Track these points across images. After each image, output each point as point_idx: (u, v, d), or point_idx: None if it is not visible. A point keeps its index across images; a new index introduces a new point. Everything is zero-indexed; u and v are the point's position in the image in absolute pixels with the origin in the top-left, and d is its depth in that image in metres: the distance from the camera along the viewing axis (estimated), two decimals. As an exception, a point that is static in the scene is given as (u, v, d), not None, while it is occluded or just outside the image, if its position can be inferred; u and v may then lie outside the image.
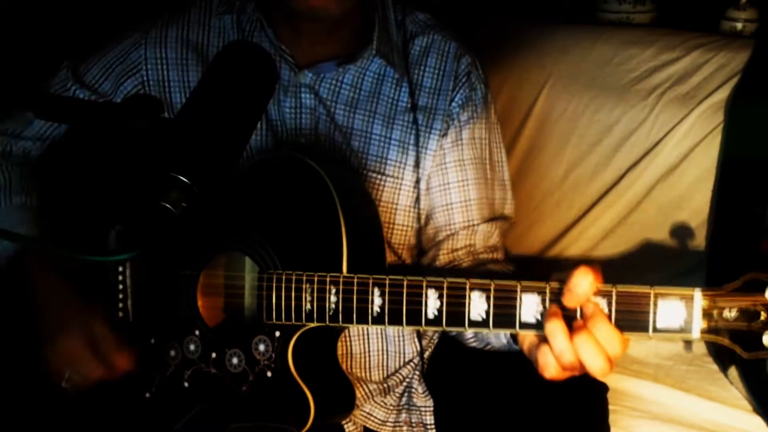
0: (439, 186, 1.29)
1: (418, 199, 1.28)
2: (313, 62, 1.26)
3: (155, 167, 0.78)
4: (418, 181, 1.28)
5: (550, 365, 0.93)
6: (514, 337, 1.05)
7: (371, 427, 1.33)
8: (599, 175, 1.83)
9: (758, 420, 1.45)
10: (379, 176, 1.27)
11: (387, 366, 1.33)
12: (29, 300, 1.13)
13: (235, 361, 1.13)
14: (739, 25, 1.91)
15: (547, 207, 1.88)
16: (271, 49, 1.24)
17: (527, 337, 0.99)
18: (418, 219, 1.29)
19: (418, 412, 1.33)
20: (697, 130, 1.74)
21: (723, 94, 1.73)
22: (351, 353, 1.29)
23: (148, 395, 1.18)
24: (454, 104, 1.28)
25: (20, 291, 1.14)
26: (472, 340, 1.22)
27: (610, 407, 1.27)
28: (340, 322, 1.05)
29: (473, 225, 1.29)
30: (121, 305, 1.19)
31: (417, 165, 1.27)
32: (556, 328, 0.91)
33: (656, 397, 1.51)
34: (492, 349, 1.17)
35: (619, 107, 1.81)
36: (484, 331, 0.98)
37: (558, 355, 0.91)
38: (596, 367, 0.90)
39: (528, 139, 1.89)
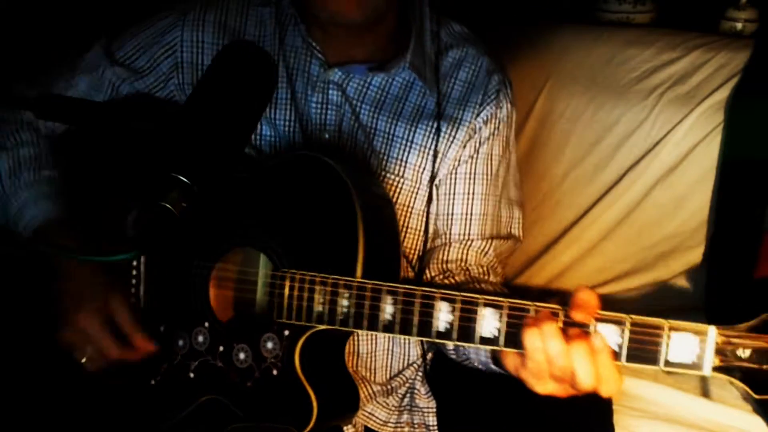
0: (444, 194, 1.29)
1: (429, 203, 1.27)
2: (343, 62, 1.25)
3: (155, 167, 0.78)
4: (431, 186, 1.26)
5: (543, 371, 0.91)
6: (494, 359, 1.05)
7: (372, 427, 1.33)
8: (599, 175, 1.83)
9: (758, 420, 1.45)
10: (397, 178, 1.27)
11: (391, 366, 1.33)
12: (56, 278, 1.14)
13: (242, 356, 1.13)
14: (739, 25, 1.90)
15: (547, 207, 1.87)
16: (303, 44, 1.24)
17: (509, 356, 0.98)
18: (427, 223, 1.28)
19: (420, 413, 1.33)
20: (697, 130, 1.74)
21: (723, 94, 1.73)
22: (358, 352, 1.29)
23: (153, 382, 1.18)
24: (479, 119, 1.27)
25: (46, 270, 1.15)
26: (451, 352, 1.20)
27: (610, 407, 1.28)
28: (350, 327, 1.04)
29: (469, 240, 1.28)
30: (133, 290, 1.20)
31: (434, 171, 1.26)
32: (551, 330, 0.90)
33: (656, 397, 1.51)
34: (470, 365, 1.16)
35: (619, 107, 1.81)
36: (495, 348, 0.97)
37: (552, 359, 0.90)
38: (585, 378, 0.89)
39: (528, 139, 1.89)
